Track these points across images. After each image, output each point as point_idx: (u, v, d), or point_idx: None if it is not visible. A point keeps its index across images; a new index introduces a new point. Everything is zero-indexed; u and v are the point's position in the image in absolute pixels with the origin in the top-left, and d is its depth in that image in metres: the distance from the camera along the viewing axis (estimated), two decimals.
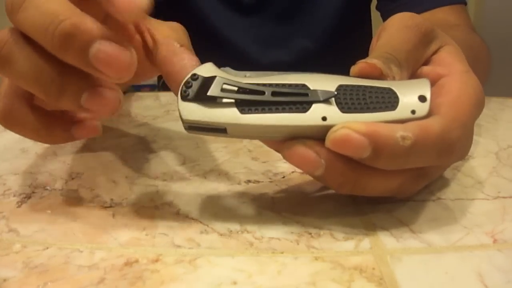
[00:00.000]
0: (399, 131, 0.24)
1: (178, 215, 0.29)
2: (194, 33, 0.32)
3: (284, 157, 0.26)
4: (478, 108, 0.29)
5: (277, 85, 0.26)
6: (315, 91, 0.25)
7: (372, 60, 0.27)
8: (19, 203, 0.30)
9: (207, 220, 0.28)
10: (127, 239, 0.26)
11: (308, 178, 0.33)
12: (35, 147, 0.38)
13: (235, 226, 0.28)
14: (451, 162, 0.30)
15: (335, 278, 0.23)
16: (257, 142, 0.39)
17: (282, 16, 0.66)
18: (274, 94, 0.25)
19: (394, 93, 0.26)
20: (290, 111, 0.25)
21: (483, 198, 0.31)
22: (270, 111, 0.25)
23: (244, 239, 0.27)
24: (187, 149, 0.38)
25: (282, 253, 0.25)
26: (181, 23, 0.32)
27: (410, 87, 0.26)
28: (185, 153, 0.37)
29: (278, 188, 0.32)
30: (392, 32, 0.30)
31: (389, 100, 0.26)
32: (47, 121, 0.28)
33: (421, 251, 0.26)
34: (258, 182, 0.33)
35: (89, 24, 0.23)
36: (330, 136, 0.25)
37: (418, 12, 0.61)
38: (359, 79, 0.26)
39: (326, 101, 0.25)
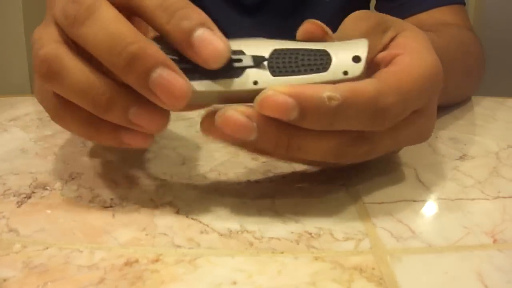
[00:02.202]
0: (326, 92, 0.24)
1: (178, 215, 0.29)
2: None
3: (219, 126, 0.26)
4: (429, 82, 0.28)
5: None
6: (249, 56, 0.26)
7: (317, 21, 0.27)
8: (19, 203, 0.30)
9: (207, 220, 0.28)
10: (127, 239, 0.26)
11: (308, 178, 0.33)
12: (35, 147, 0.38)
13: (235, 226, 0.28)
14: (385, 127, 0.28)
15: (335, 278, 0.23)
16: None
17: (283, 16, 0.66)
18: (216, 72, 0.26)
19: (328, 54, 0.26)
20: (224, 77, 0.26)
21: (483, 198, 0.31)
22: (205, 77, 0.26)
23: (244, 239, 0.27)
24: (187, 149, 0.38)
25: (282, 253, 0.25)
26: None
27: (345, 48, 0.26)
28: (185, 153, 0.37)
29: (278, 188, 0.32)
30: (346, 24, 0.30)
31: (321, 62, 0.25)
32: (97, 121, 0.27)
33: (421, 251, 0.26)
34: (258, 182, 0.33)
35: (154, 50, 0.24)
36: (258, 99, 0.25)
37: (417, 12, 0.61)
38: (296, 43, 0.26)
39: (259, 65, 0.26)
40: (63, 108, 0.27)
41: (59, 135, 0.40)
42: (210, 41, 0.25)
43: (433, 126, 0.31)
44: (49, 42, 0.26)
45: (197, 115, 0.45)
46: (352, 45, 0.26)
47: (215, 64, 0.25)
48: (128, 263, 0.24)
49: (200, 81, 0.26)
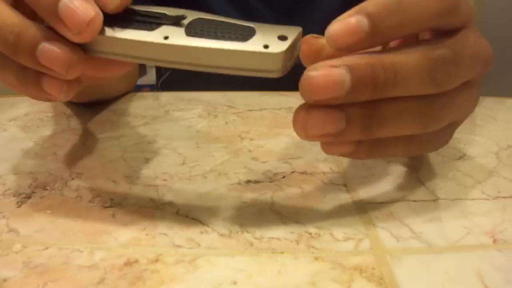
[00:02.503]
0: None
1: (178, 215, 0.29)
2: None
3: (309, 96, 0.24)
4: (484, 51, 0.28)
5: (138, 9, 0.26)
6: (170, 16, 0.26)
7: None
8: (19, 203, 0.30)
9: (207, 220, 0.28)
10: (127, 239, 0.26)
11: (308, 178, 0.33)
12: (35, 147, 0.38)
13: (235, 226, 0.28)
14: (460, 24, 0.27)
15: (335, 278, 0.23)
16: (257, 143, 0.39)
17: (284, 15, 0.66)
18: (132, 13, 0.26)
19: (254, 30, 0.25)
20: (137, 28, 0.26)
21: (483, 198, 0.31)
22: (118, 26, 0.26)
23: (244, 239, 0.27)
24: (187, 149, 0.38)
25: (282, 253, 0.25)
26: None
27: (275, 28, 0.25)
28: (185, 153, 0.37)
29: (278, 188, 0.32)
30: None
31: (242, 34, 0.24)
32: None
33: (421, 251, 0.26)
34: (258, 182, 0.33)
35: (32, 30, 0.26)
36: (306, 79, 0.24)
37: None
38: (228, 19, 0.26)
39: (176, 24, 0.25)
40: None
41: (59, 135, 0.40)
42: (75, 9, 0.25)
43: (490, 49, 0.30)
44: None
45: (197, 115, 0.45)
46: (283, 28, 0.25)
47: (85, 36, 0.25)
48: (128, 263, 0.24)
49: (111, 28, 0.26)
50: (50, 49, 0.26)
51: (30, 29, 0.26)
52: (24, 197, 0.30)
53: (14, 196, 0.31)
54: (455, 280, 0.23)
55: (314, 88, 0.24)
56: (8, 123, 0.43)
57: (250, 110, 0.45)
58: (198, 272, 0.24)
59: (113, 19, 0.26)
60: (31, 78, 0.27)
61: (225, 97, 0.49)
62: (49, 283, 0.23)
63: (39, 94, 0.28)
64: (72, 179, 0.33)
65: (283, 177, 0.33)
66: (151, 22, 0.26)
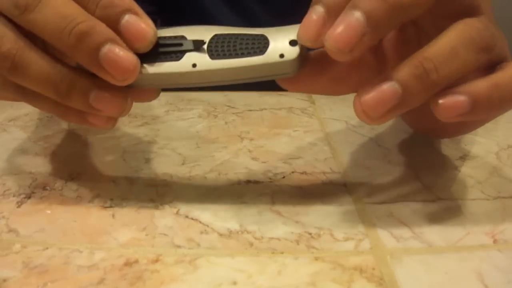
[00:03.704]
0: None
1: (178, 215, 0.29)
2: None
3: (442, 117, 0.25)
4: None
5: (159, 39, 0.27)
6: (189, 41, 0.27)
7: None
8: (19, 203, 0.30)
9: (207, 220, 0.28)
10: (127, 239, 0.26)
11: (308, 178, 0.33)
12: (35, 147, 0.38)
13: (235, 226, 0.28)
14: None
15: (335, 278, 0.23)
16: (257, 143, 0.39)
17: (282, 16, 0.66)
18: (155, 46, 0.27)
19: (266, 38, 0.27)
20: (165, 60, 0.27)
21: (483, 198, 0.31)
22: (147, 62, 0.27)
23: (244, 239, 0.26)
24: (187, 149, 0.38)
25: (282, 253, 0.25)
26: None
27: (283, 32, 0.27)
28: (185, 153, 0.37)
29: (278, 188, 0.32)
30: None
31: (259, 46, 0.26)
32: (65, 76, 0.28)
33: (421, 251, 0.26)
34: (258, 182, 0.33)
35: (103, 27, 0.25)
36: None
37: None
38: (238, 29, 0.27)
39: (198, 49, 0.27)
40: (30, 93, 0.28)
41: (59, 135, 0.40)
42: (135, 27, 0.26)
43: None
44: (7, 36, 0.26)
45: (197, 115, 0.45)
46: (290, 30, 0.27)
47: (142, 49, 0.26)
48: (128, 263, 0.24)
49: (142, 64, 0.27)
50: (104, 97, 0.26)
51: (81, 78, 0.26)
52: (24, 197, 0.30)
53: (14, 196, 0.31)
54: (455, 280, 0.23)
55: (443, 111, 0.25)
56: (8, 123, 0.43)
57: (250, 110, 0.45)
58: (198, 272, 0.24)
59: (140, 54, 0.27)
60: (74, 112, 0.28)
61: (225, 97, 0.49)
62: (49, 283, 0.23)
63: (82, 123, 0.29)
64: (72, 179, 0.33)
65: (283, 177, 0.33)
66: (175, 52, 0.27)
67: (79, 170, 0.34)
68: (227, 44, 0.27)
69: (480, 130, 0.42)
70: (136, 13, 0.26)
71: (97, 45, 0.25)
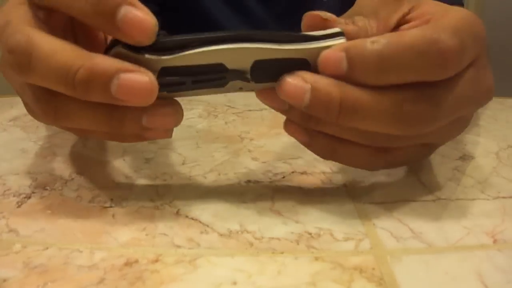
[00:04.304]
0: (370, 38, 0.25)
1: (178, 215, 0.29)
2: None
3: (279, 94, 0.26)
4: (477, 28, 0.27)
5: (196, 68, 0.26)
6: (231, 73, 0.27)
7: (315, 12, 0.28)
8: (19, 203, 0.30)
9: (207, 220, 0.28)
10: (127, 239, 0.26)
11: (308, 178, 0.33)
12: (35, 147, 0.38)
13: (235, 226, 0.28)
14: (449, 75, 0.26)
15: (335, 278, 0.23)
16: (257, 143, 0.39)
17: (282, 16, 0.66)
18: (194, 82, 0.27)
19: (308, 63, 0.26)
20: (210, 86, 0.27)
21: (483, 198, 0.31)
22: (192, 88, 0.27)
23: (244, 239, 0.27)
24: (187, 149, 0.38)
25: (282, 253, 0.25)
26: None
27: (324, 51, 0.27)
28: (185, 153, 0.37)
29: (278, 188, 0.32)
30: None
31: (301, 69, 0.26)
32: (115, 110, 0.27)
33: (421, 251, 0.26)
34: (258, 182, 0.33)
35: (102, 64, 0.24)
36: (320, 60, 0.26)
37: None
38: (278, 47, 0.26)
39: (242, 78, 0.27)
40: (84, 132, 0.28)
41: (59, 135, 0.40)
42: (135, 19, 0.24)
43: (492, 81, 0.28)
44: (42, 95, 0.26)
45: (197, 115, 0.45)
46: (330, 46, 0.26)
47: (145, 42, 0.25)
48: (128, 263, 0.24)
49: (187, 91, 0.27)
50: (156, 117, 0.26)
51: (129, 109, 0.26)
52: (24, 197, 0.30)
53: (14, 196, 0.31)
54: (455, 280, 0.23)
55: (282, 91, 0.26)
56: (8, 123, 0.43)
57: (250, 110, 0.45)
58: (198, 272, 0.24)
59: (182, 79, 0.26)
60: (130, 136, 0.28)
61: (225, 97, 0.49)
62: (49, 283, 0.23)
63: (141, 141, 0.29)
64: (72, 179, 0.33)
65: (283, 177, 0.33)
66: (219, 80, 0.27)
67: (79, 170, 0.34)
68: (269, 71, 0.27)
69: (480, 130, 0.42)
70: (131, 4, 0.24)
71: (105, 85, 0.24)
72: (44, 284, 0.23)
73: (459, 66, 0.26)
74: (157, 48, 0.25)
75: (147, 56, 0.25)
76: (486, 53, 0.28)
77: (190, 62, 0.26)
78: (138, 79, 0.24)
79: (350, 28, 0.27)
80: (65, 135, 0.40)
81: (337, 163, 0.35)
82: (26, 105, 0.30)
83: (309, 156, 0.36)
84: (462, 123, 0.30)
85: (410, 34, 0.25)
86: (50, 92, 0.26)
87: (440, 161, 0.36)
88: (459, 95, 0.27)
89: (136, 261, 0.25)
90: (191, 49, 0.26)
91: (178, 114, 0.27)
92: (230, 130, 0.41)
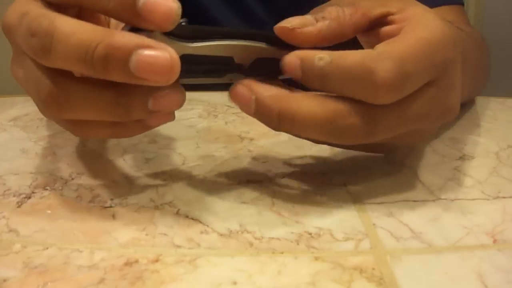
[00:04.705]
0: (318, 54, 0.26)
1: (178, 215, 0.29)
2: None
3: (232, 99, 0.28)
4: (438, 49, 0.27)
5: (211, 59, 0.27)
6: (236, 66, 0.28)
7: (282, 24, 0.28)
8: (19, 203, 0.30)
9: (207, 220, 0.28)
10: (127, 239, 0.26)
11: (308, 178, 0.33)
12: (35, 147, 0.38)
13: (235, 226, 0.28)
14: (384, 100, 0.26)
15: (335, 278, 0.23)
16: (257, 143, 0.39)
17: (282, 16, 0.66)
18: (204, 72, 0.28)
19: None
20: (209, 76, 0.28)
21: (483, 198, 0.31)
22: (194, 76, 0.27)
23: (244, 239, 0.27)
24: (187, 149, 0.38)
25: (282, 253, 0.25)
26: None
27: None
28: (185, 153, 0.37)
29: (278, 188, 0.32)
30: None
31: None
32: (122, 96, 0.27)
33: (421, 251, 0.26)
34: (258, 182, 0.33)
35: (121, 39, 0.24)
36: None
37: None
38: (276, 51, 0.28)
39: (239, 71, 0.28)
40: (84, 124, 0.28)
41: (59, 135, 0.40)
42: (156, 4, 0.24)
43: (456, 101, 0.29)
44: (43, 83, 0.26)
45: (197, 115, 0.45)
46: None
47: (169, 25, 0.24)
48: (128, 263, 0.24)
49: (188, 78, 0.27)
50: (162, 99, 0.26)
51: (136, 93, 0.26)
52: (24, 197, 0.30)
53: (14, 196, 0.31)
54: (455, 280, 0.23)
55: (233, 97, 0.28)
56: (8, 123, 0.43)
57: None
58: (198, 272, 0.24)
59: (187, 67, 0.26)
60: (133, 126, 0.28)
61: (225, 97, 0.49)
62: (49, 283, 0.23)
63: (143, 131, 0.29)
64: (72, 179, 0.33)
65: (283, 177, 0.33)
66: (220, 71, 0.28)
67: (79, 170, 0.34)
68: (264, 67, 0.28)
69: (480, 130, 0.42)
70: None
71: (123, 60, 0.23)
72: (44, 284, 0.23)
73: (397, 94, 0.26)
74: (178, 34, 0.26)
75: (170, 39, 0.25)
76: (453, 74, 0.29)
77: (208, 52, 0.27)
78: (159, 55, 0.24)
79: (319, 26, 0.28)
80: (66, 135, 0.40)
81: (337, 163, 0.35)
82: (32, 99, 0.30)
83: (309, 156, 0.36)
84: (418, 135, 0.31)
85: (351, 58, 0.26)
86: (57, 78, 0.26)
87: (440, 161, 0.36)
88: (407, 114, 0.27)
89: (136, 261, 0.25)
90: (212, 40, 0.27)
91: (182, 94, 0.27)
92: (230, 130, 0.41)
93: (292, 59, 0.27)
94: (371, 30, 0.30)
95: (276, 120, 0.27)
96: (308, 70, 0.27)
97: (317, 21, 0.28)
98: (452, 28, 0.31)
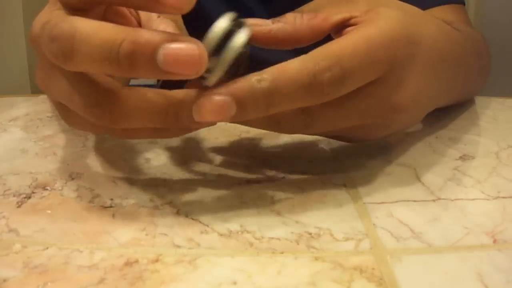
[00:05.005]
0: (254, 77, 0.25)
1: (178, 215, 0.29)
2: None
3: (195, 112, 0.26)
4: (382, 47, 0.27)
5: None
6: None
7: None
8: (19, 203, 0.30)
9: (207, 220, 0.28)
10: (127, 239, 0.26)
11: (308, 178, 0.33)
12: (35, 147, 0.38)
13: (235, 226, 0.28)
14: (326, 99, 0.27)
15: (335, 278, 0.23)
16: (257, 143, 0.39)
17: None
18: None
19: None
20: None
21: (483, 198, 0.31)
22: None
23: (244, 239, 0.27)
24: (187, 149, 0.38)
25: (282, 253, 0.25)
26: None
27: None
28: (185, 153, 0.37)
29: (278, 188, 0.32)
30: None
31: None
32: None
33: (421, 251, 0.26)
34: (258, 182, 0.33)
35: (146, 35, 0.23)
36: (195, 108, 0.25)
37: None
38: None
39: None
40: (129, 131, 0.28)
41: (59, 135, 0.40)
42: None
43: (407, 98, 0.30)
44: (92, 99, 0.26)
45: None
46: None
47: (188, 6, 0.24)
48: (128, 263, 0.24)
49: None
50: (177, 46, 0.23)
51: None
52: (24, 197, 0.30)
53: (14, 196, 0.31)
54: (455, 280, 0.23)
55: (203, 113, 0.25)
56: (8, 123, 0.43)
57: None
58: (198, 272, 0.24)
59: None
60: (176, 129, 0.28)
61: None
62: (49, 283, 0.23)
63: (186, 134, 0.29)
64: (72, 179, 0.33)
65: (283, 177, 0.33)
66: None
67: (79, 170, 0.34)
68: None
69: (480, 130, 0.42)
70: None
71: (150, 56, 0.23)
72: (44, 284, 0.23)
73: (338, 92, 0.27)
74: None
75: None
76: (404, 71, 0.29)
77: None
78: (186, 47, 0.23)
79: (270, 27, 0.29)
80: (65, 135, 0.40)
81: (337, 163, 0.35)
82: (68, 117, 0.29)
83: (309, 156, 0.36)
84: (370, 130, 0.31)
85: (292, 67, 0.26)
86: (104, 93, 0.26)
87: (440, 161, 0.36)
88: (346, 109, 0.28)
89: (136, 261, 0.25)
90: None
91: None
92: (230, 130, 0.41)
93: (218, 101, 0.25)
94: (338, 33, 0.30)
95: (264, 105, 0.26)
96: (251, 99, 0.25)
97: (272, 23, 0.29)
98: (416, 26, 0.31)
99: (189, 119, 0.26)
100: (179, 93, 0.26)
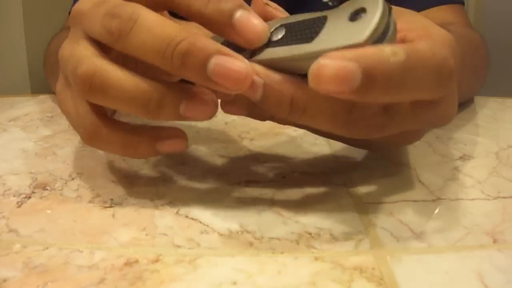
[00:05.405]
0: (387, 47, 0.22)
1: (178, 215, 0.29)
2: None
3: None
4: (457, 55, 0.26)
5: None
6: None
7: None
8: (19, 203, 0.30)
9: (207, 220, 0.28)
10: (127, 239, 0.26)
11: (308, 178, 0.33)
12: (35, 147, 0.38)
13: (235, 226, 0.28)
14: (449, 91, 0.25)
15: (335, 278, 0.23)
16: (257, 143, 0.39)
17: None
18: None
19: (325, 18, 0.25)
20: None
21: (483, 198, 0.31)
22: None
23: (244, 239, 0.27)
24: (187, 149, 0.38)
25: (282, 253, 0.25)
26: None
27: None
28: (185, 153, 0.37)
29: (278, 188, 0.32)
30: None
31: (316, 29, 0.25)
32: (132, 138, 0.28)
33: (421, 251, 0.26)
34: (258, 182, 0.33)
35: (204, 41, 0.24)
36: (312, 71, 0.22)
37: (417, 11, 0.62)
38: (302, 15, 0.27)
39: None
40: (103, 127, 0.28)
41: (59, 135, 0.40)
42: (251, 22, 0.26)
43: (455, 107, 0.29)
44: (86, 57, 0.26)
45: None
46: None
47: (258, 43, 0.26)
48: (128, 263, 0.24)
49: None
50: (194, 106, 0.26)
51: (169, 92, 0.26)
52: (24, 197, 0.30)
53: (14, 196, 0.31)
54: (455, 280, 0.23)
55: (323, 77, 0.22)
56: (8, 123, 0.43)
57: None
58: (198, 272, 0.24)
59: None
60: (144, 145, 0.28)
61: None
62: (49, 283, 0.23)
63: (153, 154, 0.29)
64: (72, 179, 0.33)
65: (283, 177, 0.33)
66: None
67: (79, 170, 0.34)
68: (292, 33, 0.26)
69: (480, 130, 0.42)
70: (247, 9, 0.26)
71: (203, 61, 0.24)
72: (44, 284, 0.23)
73: (449, 90, 0.26)
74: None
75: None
76: (455, 83, 0.28)
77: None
78: (237, 63, 0.24)
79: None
80: (65, 135, 0.40)
81: (337, 163, 0.35)
82: (86, 134, 0.29)
83: (309, 156, 0.36)
84: (413, 136, 0.30)
85: (424, 48, 0.23)
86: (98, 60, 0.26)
87: (440, 161, 0.36)
88: (419, 116, 0.26)
89: (136, 261, 0.25)
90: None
91: (215, 107, 0.26)
92: (230, 130, 0.41)
93: (347, 65, 0.21)
94: None
95: (288, 107, 0.25)
96: (379, 72, 0.21)
97: None
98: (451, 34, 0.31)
99: (172, 111, 0.26)
100: (168, 85, 0.26)
